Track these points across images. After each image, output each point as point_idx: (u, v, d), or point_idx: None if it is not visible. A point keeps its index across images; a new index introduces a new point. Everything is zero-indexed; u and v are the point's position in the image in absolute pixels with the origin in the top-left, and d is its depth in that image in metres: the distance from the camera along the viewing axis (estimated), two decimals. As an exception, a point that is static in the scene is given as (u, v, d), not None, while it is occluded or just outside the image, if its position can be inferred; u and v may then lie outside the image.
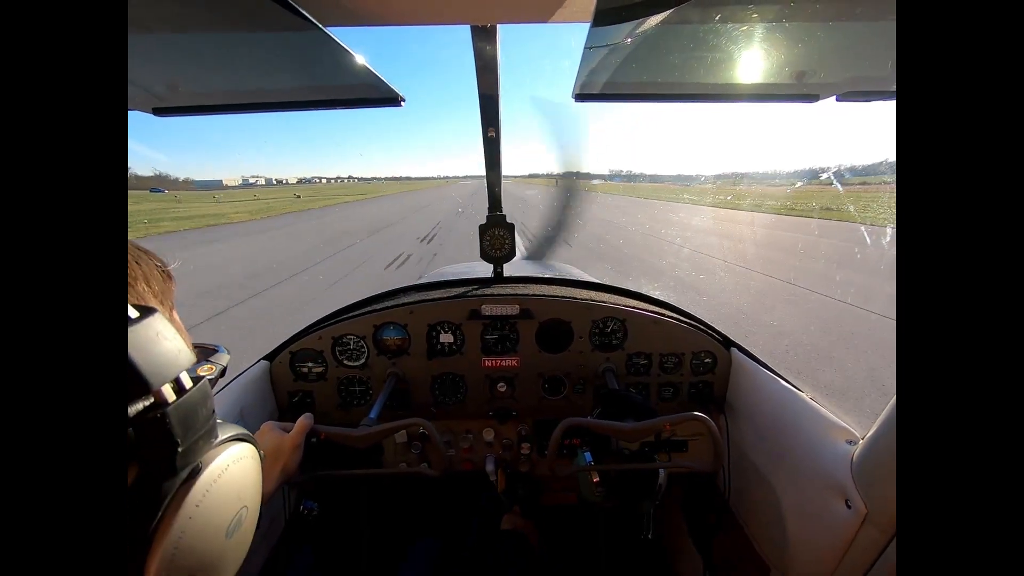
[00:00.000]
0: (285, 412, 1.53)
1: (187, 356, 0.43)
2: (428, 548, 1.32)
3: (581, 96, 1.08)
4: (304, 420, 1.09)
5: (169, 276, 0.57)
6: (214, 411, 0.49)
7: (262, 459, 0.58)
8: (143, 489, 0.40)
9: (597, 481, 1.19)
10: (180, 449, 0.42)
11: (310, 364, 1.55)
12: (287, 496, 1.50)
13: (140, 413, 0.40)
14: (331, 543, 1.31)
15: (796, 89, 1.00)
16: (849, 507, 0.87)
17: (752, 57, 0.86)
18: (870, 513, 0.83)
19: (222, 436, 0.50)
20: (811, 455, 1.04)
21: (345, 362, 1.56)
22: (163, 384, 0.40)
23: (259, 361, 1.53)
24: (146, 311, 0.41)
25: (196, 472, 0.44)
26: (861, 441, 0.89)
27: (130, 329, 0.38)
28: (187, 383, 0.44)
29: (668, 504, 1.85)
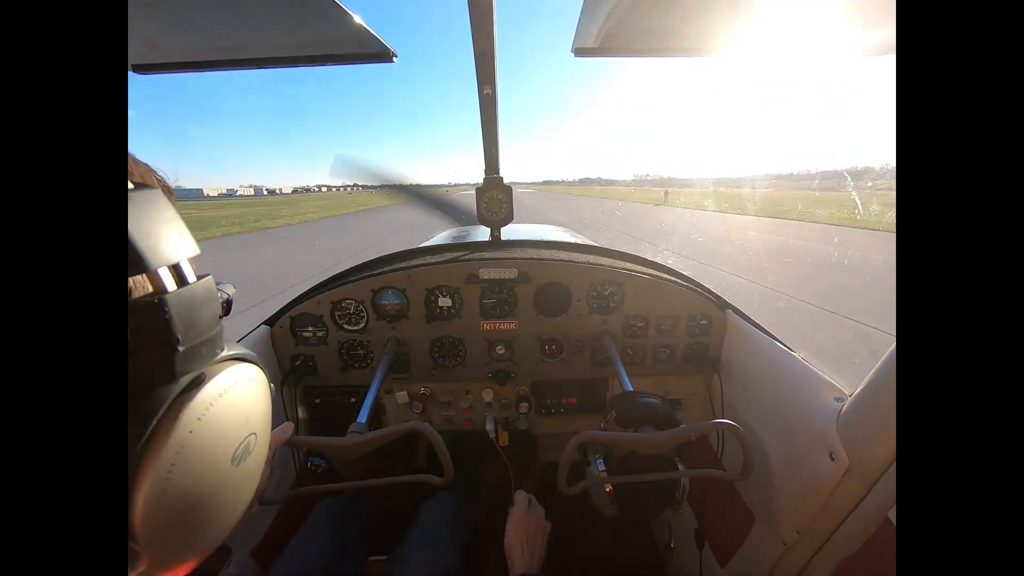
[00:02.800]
0: (288, 375, 1.56)
1: (191, 245, 0.38)
2: (441, 501, 1.33)
3: (581, 51, 1.04)
4: (277, 433, 0.95)
5: (169, 191, 0.48)
6: (220, 319, 0.43)
7: (273, 395, 0.52)
8: (137, 395, 0.34)
9: (611, 491, 1.05)
10: (180, 349, 0.36)
11: (311, 328, 1.57)
12: (295, 453, 1.56)
13: (135, 301, 0.34)
14: (334, 502, 1.35)
15: (804, 44, 0.96)
16: (833, 459, 0.92)
17: (763, 9, 0.82)
18: (852, 465, 0.88)
19: (229, 351, 0.44)
20: (800, 411, 1.08)
21: (345, 326, 1.57)
22: (162, 267, 0.35)
23: (259, 326, 1.54)
24: (143, 186, 0.36)
25: (199, 381, 0.38)
26: (849, 398, 0.92)
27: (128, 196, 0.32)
28: (190, 276, 0.38)
29: None
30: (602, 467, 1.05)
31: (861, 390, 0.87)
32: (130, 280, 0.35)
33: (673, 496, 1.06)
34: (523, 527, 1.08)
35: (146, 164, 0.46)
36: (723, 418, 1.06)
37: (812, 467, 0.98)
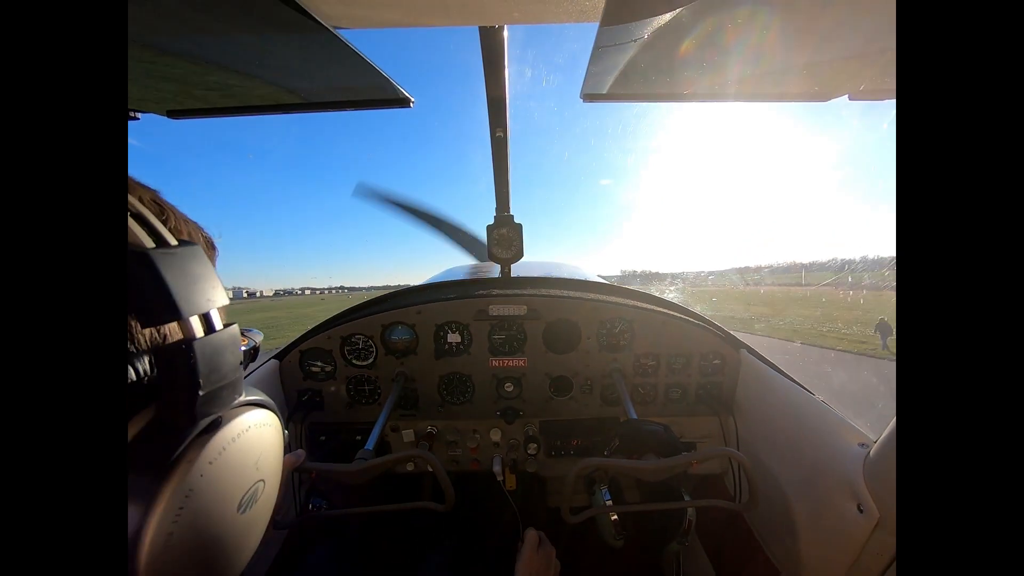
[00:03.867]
0: (294, 411, 1.55)
1: (222, 296, 0.41)
2: (443, 553, 1.28)
3: (590, 96, 1.08)
4: (291, 458, 1.01)
5: (212, 246, 0.54)
6: (242, 364, 0.45)
7: (286, 440, 0.54)
8: (156, 435, 0.36)
9: (616, 520, 1.06)
10: (202, 393, 0.38)
11: (319, 363, 1.57)
12: (297, 493, 1.52)
13: (165, 346, 0.37)
14: (342, 539, 1.30)
15: (807, 88, 0.99)
16: (861, 511, 0.86)
17: (762, 56, 0.86)
18: (882, 518, 0.82)
19: (247, 397, 0.46)
20: (822, 457, 1.02)
21: (354, 361, 1.57)
22: (193, 315, 0.38)
23: (269, 360, 1.55)
24: (187, 243, 0.40)
25: (216, 425, 0.40)
26: (874, 444, 0.88)
27: (168, 253, 0.37)
28: (218, 324, 0.41)
29: None
30: (607, 497, 1.06)
31: (887, 435, 0.83)
32: (165, 327, 0.39)
33: (679, 527, 1.06)
34: (533, 567, 1.07)
35: (195, 223, 0.52)
36: (752, 481, 1.02)
37: (838, 518, 0.92)
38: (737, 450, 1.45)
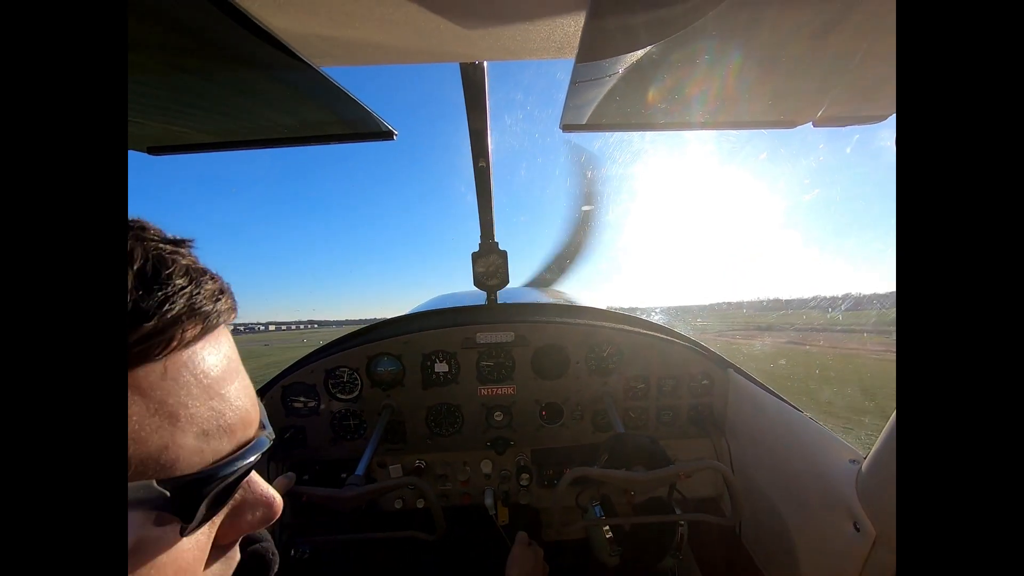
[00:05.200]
0: (276, 449, 1.49)
1: None
2: None
3: (568, 127, 1.12)
4: (283, 479, 1.02)
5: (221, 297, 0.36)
6: None
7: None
8: None
9: (611, 538, 1.09)
10: None
11: (303, 398, 1.52)
12: (279, 538, 1.44)
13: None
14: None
15: (775, 116, 1.04)
16: (858, 529, 0.85)
17: (732, 86, 0.90)
18: (879, 535, 0.81)
19: None
20: (815, 476, 1.02)
21: (338, 395, 1.52)
22: None
23: None
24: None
25: None
26: (865, 460, 0.88)
27: None
28: None
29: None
30: (600, 515, 1.09)
31: (877, 450, 0.83)
32: None
33: (672, 542, 1.08)
34: (523, 562, 1.12)
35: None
36: (735, 494, 1.03)
37: (836, 539, 0.90)
38: (733, 475, 1.44)
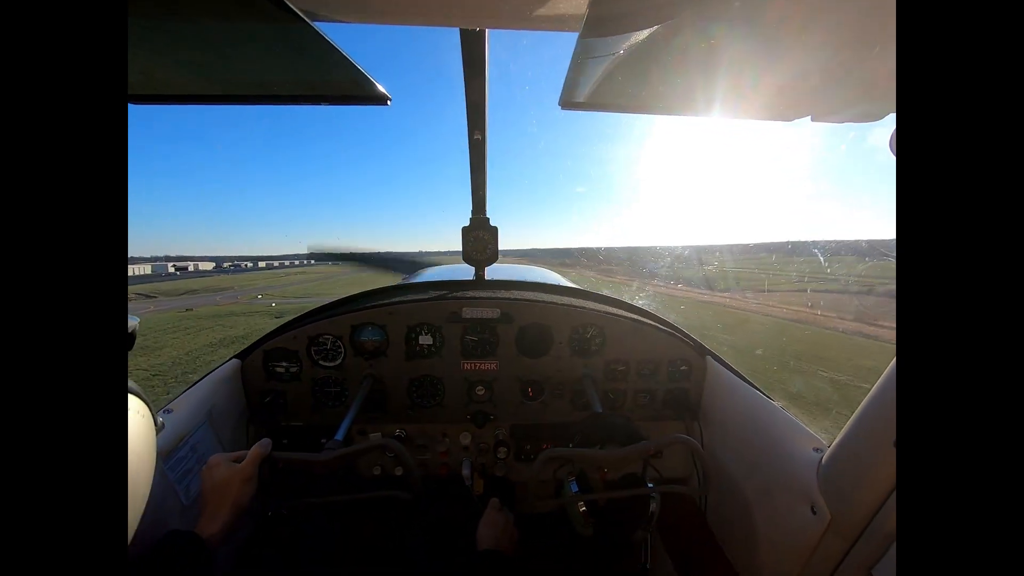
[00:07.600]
0: (256, 412, 1.49)
1: None
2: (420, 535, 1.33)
3: (568, 104, 1.10)
4: (258, 448, 1.03)
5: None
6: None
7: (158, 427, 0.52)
8: None
9: (585, 511, 1.11)
10: None
11: (284, 363, 1.51)
12: (257, 503, 1.46)
13: None
14: (300, 544, 1.27)
15: (773, 108, 1.04)
16: (815, 513, 0.90)
17: (732, 75, 0.89)
18: (833, 520, 0.86)
19: None
20: (780, 462, 1.07)
21: (321, 362, 1.52)
22: None
23: (231, 359, 1.48)
24: None
25: None
26: (827, 448, 0.92)
27: None
28: None
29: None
30: (575, 489, 1.12)
31: (839, 441, 0.87)
32: None
33: (644, 515, 1.12)
34: (494, 523, 1.18)
35: None
36: (704, 467, 1.07)
37: (794, 520, 0.96)
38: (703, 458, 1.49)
